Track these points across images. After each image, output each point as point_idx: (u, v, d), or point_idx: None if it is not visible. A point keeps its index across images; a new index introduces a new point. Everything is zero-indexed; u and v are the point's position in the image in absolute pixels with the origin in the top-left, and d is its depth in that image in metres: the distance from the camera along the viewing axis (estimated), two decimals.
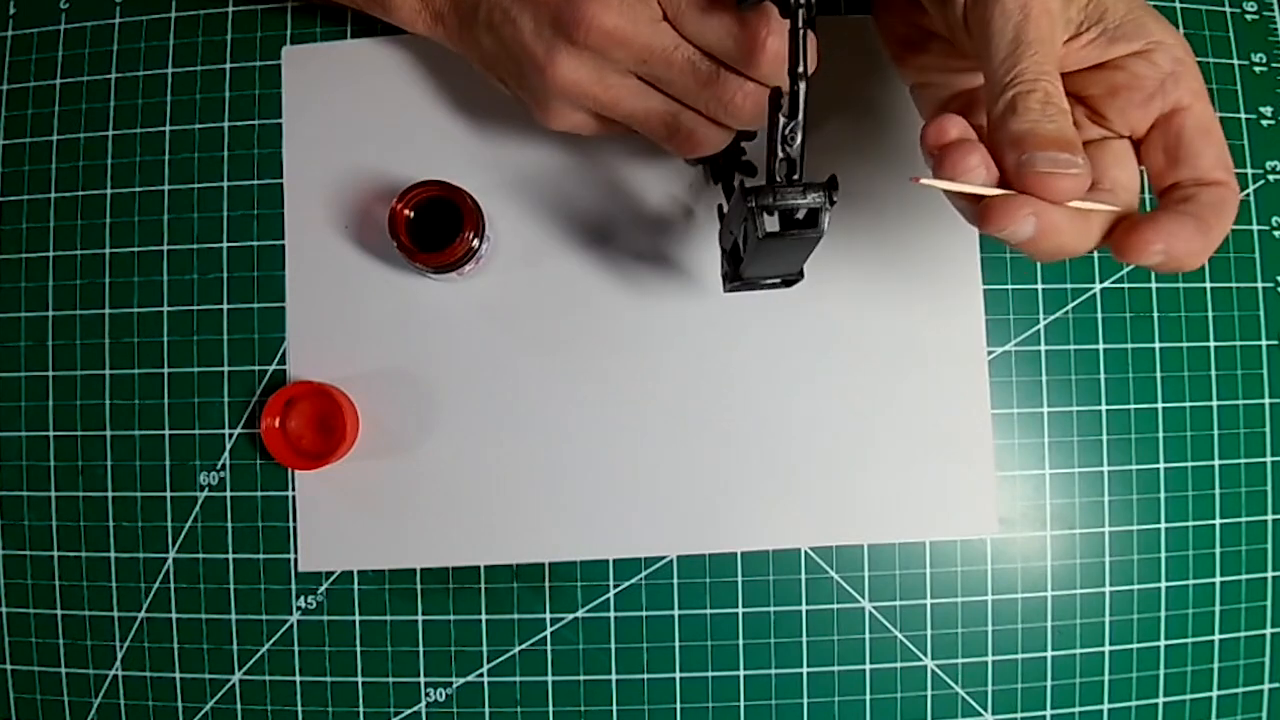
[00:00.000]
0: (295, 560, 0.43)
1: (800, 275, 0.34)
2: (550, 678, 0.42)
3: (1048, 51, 0.28)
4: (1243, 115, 0.45)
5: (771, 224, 0.29)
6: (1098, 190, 0.30)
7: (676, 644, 0.42)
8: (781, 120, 0.29)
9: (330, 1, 0.41)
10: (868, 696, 0.42)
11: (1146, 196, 0.40)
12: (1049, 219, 0.27)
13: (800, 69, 0.29)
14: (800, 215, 0.29)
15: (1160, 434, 0.43)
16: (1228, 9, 0.45)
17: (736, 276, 0.34)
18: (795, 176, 0.30)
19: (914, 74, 0.37)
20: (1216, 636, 0.43)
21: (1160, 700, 0.43)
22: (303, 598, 0.43)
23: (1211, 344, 0.44)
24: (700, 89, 0.33)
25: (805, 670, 0.42)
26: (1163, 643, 0.43)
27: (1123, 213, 0.29)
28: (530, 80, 0.35)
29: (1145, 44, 0.30)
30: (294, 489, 0.43)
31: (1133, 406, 0.43)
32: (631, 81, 0.34)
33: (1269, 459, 0.44)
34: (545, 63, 0.34)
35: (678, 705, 0.42)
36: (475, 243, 0.39)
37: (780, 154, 0.30)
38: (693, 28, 0.32)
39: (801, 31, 0.29)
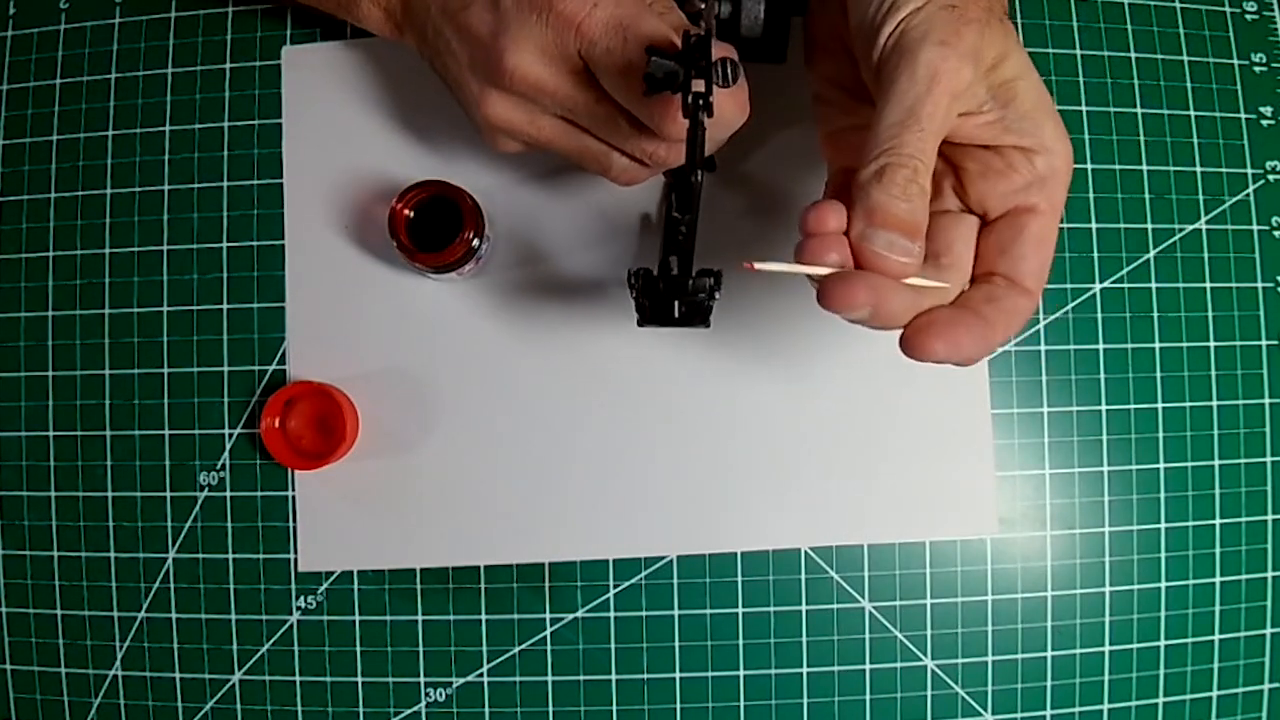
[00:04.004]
0: (295, 560, 0.43)
1: (706, 325, 0.33)
2: (550, 678, 0.42)
3: (932, 133, 0.28)
4: (1243, 115, 0.45)
5: (651, 317, 0.29)
6: (937, 263, 0.31)
7: (676, 644, 0.42)
8: (673, 216, 0.28)
9: (302, 4, 0.41)
10: (868, 696, 0.42)
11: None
12: (885, 302, 0.27)
13: (695, 168, 0.28)
14: (683, 309, 0.29)
15: (1160, 434, 0.43)
16: (1228, 9, 0.45)
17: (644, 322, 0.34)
18: (686, 267, 0.29)
19: (819, 86, 0.36)
20: (1216, 636, 0.43)
21: (1160, 700, 0.43)
22: (303, 598, 0.43)
23: (1211, 344, 0.44)
24: (623, 140, 0.34)
25: (805, 670, 0.42)
26: (1163, 643, 0.43)
27: (947, 294, 0.30)
28: (470, 110, 0.36)
29: (1033, 144, 0.30)
30: (294, 489, 0.43)
31: (1133, 406, 0.43)
32: (562, 124, 0.35)
33: (1269, 459, 0.44)
34: (479, 99, 0.34)
35: (678, 705, 0.42)
36: (475, 243, 0.39)
37: (670, 249, 0.29)
38: (610, 86, 0.32)
39: (700, 131, 0.28)
